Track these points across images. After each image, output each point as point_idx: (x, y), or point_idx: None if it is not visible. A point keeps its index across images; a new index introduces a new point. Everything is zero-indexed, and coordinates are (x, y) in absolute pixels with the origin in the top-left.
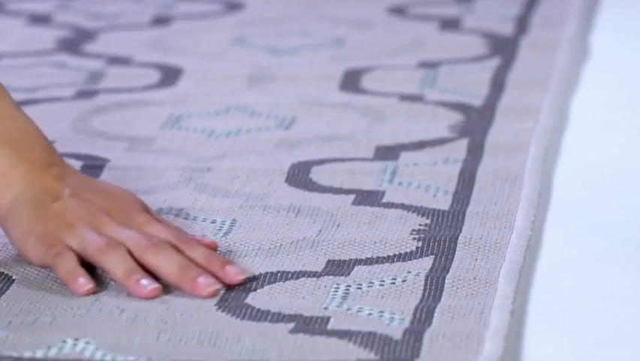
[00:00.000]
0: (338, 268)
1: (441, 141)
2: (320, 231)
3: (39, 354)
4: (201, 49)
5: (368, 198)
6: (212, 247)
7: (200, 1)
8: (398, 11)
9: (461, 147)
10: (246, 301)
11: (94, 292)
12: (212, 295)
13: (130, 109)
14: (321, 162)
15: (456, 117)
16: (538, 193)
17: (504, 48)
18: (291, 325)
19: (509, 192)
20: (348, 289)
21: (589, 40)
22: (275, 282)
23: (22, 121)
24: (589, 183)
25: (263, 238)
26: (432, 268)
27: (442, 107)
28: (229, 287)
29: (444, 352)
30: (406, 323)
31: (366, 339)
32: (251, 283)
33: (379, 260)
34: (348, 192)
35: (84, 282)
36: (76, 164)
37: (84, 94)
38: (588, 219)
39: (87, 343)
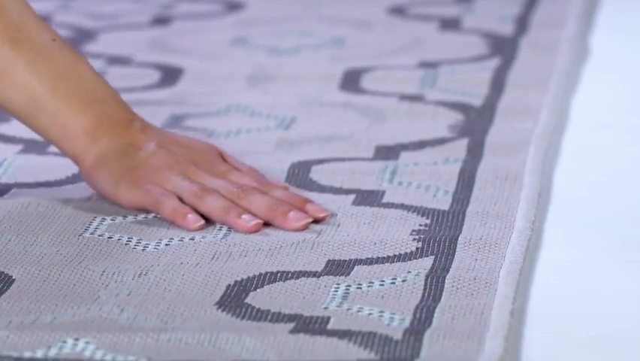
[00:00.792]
0: (338, 268)
1: (441, 141)
2: (320, 231)
3: (39, 354)
4: (201, 49)
5: (368, 198)
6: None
7: (200, 1)
8: (398, 11)
9: (461, 146)
10: (246, 301)
11: (202, 229)
12: (304, 228)
13: None
14: (320, 161)
15: (456, 117)
16: (538, 193)
17: (504, 48)
18: (291, 325)
19: (509, 192)
20: (348, 289)
21: (589, 40)
22: (275, 282)
23: (102, 84)
24: (589, 183)
25: (263, 239)
26: (432, 268)
27: (442, 107)
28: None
29: (444, 352)
30: (406, 323)
31: (366, 339)
32: (251, 283)
33: (379, 260)
34: (348, 192)
35: (194, 218)
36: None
37: None
38: (588, 219)
39: (87, 343)
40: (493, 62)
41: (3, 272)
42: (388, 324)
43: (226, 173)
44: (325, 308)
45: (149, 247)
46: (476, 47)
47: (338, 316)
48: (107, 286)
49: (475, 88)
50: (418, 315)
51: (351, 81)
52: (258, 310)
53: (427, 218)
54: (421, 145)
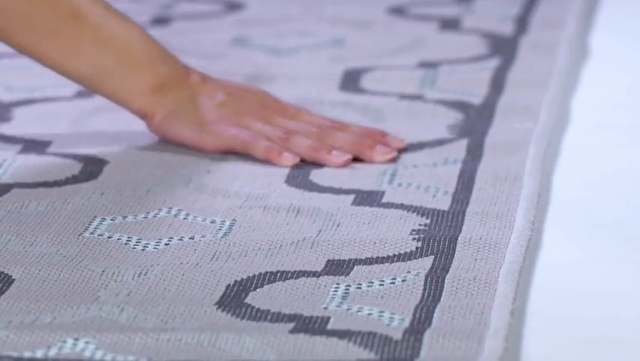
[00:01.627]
0: (338, 267)
1: (440, 142)
2: (320, 231)
3: (39, 354)
4: (201, 49)
5: (368, 198)
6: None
7: (200, 1)
8: (398, 11)
9: (461, 147)
10: (245, 301)
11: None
12: (391, 160)
13: None
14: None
15: (455, 117)
16: (538, 193)
17: (504, 48)
18: (291, 325)
19: (509, 192)
20: (347, 289)
21: (589, 40)
22: (275, 282)
23: (154, 43)
24: (589, 183)
25: (262, 238)
26: (432, 268)
27: (441, 107)
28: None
29: (444, 352)
30: (406, 323)
31: (366, 339)
32: (251, 282)
33: (379, 260)
34: (347, 192)
35: (290, 156)
36: (76, 164)
37: (84, 94)
38: (588, 220)
39: (87, 343)
40: (493, 62)
41: (3, 272)
42: (388, 324)
43: (298, 115)
44: (325, 308)
45: (149, 246)
46: (476, 47)
47: (338, 316)
48: (106, 286)
49: (474, 88)
50: (417, 315)
51: (351, 81)
52: (258, 310)
53: (427, 218)
54: (420, 146)
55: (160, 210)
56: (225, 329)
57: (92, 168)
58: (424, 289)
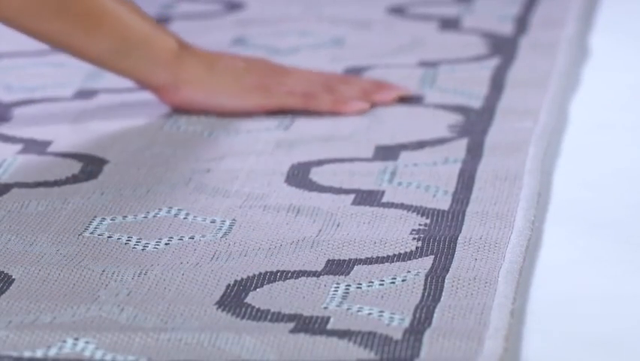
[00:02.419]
0: (338, 267)
1: (440, 141)
2: (320, 231)
3: (39, 354)
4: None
5: (368, 198)
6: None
7: (200, 1)
8: (398, 11)
9: (461, 146)
10: (245, 300)
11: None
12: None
13: (130, 109)
14: (320, 162)
15: (455, 117)
16: (538, 193)
17: (504, 48)
18: (291, 324)
19: (509, 191)
20: (347, 289)
21: (589, 40)
22: (275, 281)
23: (152, 19)
24: (588, 182)
25: (262, 238)
26: (432, 268)
27: (441, 107)
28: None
29: (444, 352)
30: (406, 323)
31: (366, 339)
32: (251, 282)
33: (379, 260)
34: (347, 192)
35: (361, 103)
36: (76, 164)
37: (83, 94)
38: (588, 219)
39: (87, 342)
40: (493, 62)
41: (3, 272)
42: (388, 324)
43: (307, 74)
44: (325, 308)
45: (149, 246)
46: (476, 47)
47: (338, 316)
48: (106, 285)
49: (474, 88)
50: (417, 315)
51: None
52: (258, 310)
53: (427, 218)
54: (420, 145)
55: (160, 210)
56: (225, 328)
57: (92, 168)
58: (424, 289)
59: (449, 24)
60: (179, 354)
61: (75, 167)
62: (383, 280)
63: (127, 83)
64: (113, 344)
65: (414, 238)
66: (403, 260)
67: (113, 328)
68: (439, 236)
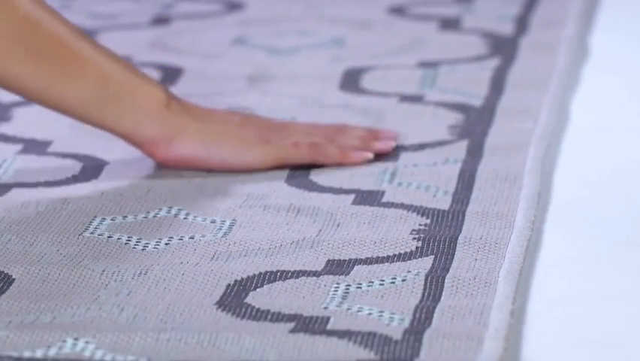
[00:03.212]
0: (338, 267)
1: (441, 142)
2: (320, 231)
3: (39, 354)
4: (201, 49)
5: (368, 198)
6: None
7: (200, 1)
8: (398, 11)
9: (461, 147)
10: (245, 300)
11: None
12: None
13: None
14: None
15: (456, 117)
16: (538, 193)
17: (504, 48)
18: (291, 324)
19: (509, 192)
20: (348, 289)
21: (589, 40)
22: (275, 281)
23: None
24: (589, 183)
25: (263, 238)
26: (432, 268)
27: (441, 108)
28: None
29: (444, 352)
30: (406, 323)
31: (366, 339)
32: (251, 282)
33: (379, 260)
34: (347, 192)
35: (365, 153)
36: (76, 165)
37: None
38: (588, 219)
39: (87, 342)
40: (493, 62)
41: (3, 272)
42: (388, 324)
43: (304, 126)
44: (325, 308)
45: (149, 246)
46: (476, 47)
47: (338, 316)
48: (106, 285)
49: (475, 88)
50: (417, 315)
51: (351, 81)
52: (258, 310)
53: (427, 218)
54: (420, 146)
55: (160, 210)
56: (225, 328)
57: (92, 168)
58: (424, 289)
59: (449, 24)
60: (179, 354)
61: (75, 167)
62: (383, 280)
63: None
64: (112, 344)
65: (414, 238)
66: (403, 260)
67: (113, 328)
68: (439, 236)
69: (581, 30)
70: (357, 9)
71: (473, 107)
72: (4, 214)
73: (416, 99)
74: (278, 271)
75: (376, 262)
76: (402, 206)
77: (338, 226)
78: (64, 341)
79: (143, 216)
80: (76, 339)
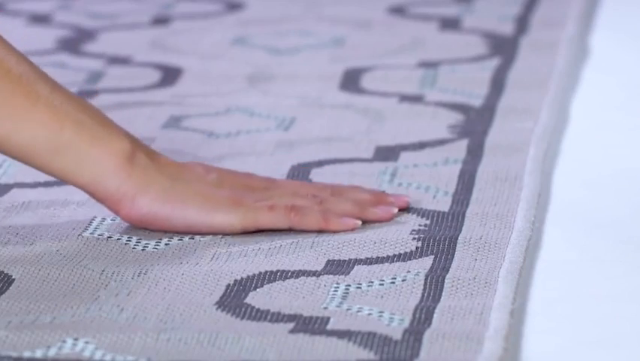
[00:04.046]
0: (338, 267)
1: (441, 142)
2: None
3: (38, 354)
4: (201, 49)
5: None
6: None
7: (200, 1)
8: (398, 11)
9: (461, 147)
10: (245, 300)
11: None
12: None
13: (130, 109)
14: (320, 163)
15: (456, 117)
16: (538, 193)
17: (504, 48)
18: (291, 325)
19: (509, 192)
20: (347, 289)
21: (589, 40)
22: (274, 281)
23: (109, 118)
24: (589, 183)
25: (262, 238)
26: (432, 268)
27: (441, 108)
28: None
29: (443, 352)
30: (406, 323)
31: (366, 339)
32: (251, 282)
33: (379, 260)
34: None
35: (353, 221)
36: None
37: (84, 94)
38: (588, 219)
39: (87, 342)
40: (493, 62)
41: (2, 272)
42: (388, 324)
43: (289, 185)
44: (325, 308)
45: (149, 246)
46: (476, 47)
47: (338, 316)
48: (106, 285)
49: (475, 88)
50: (417, 315)
51: (351, 81)
52: (258, 310)
53: (427, 219)
54: (420, 146)
55: None
56: (225, 328)
57: None
58: (424, 290)
59: (449, 24)
60: (178, 354)
61: None
62: (383, 280)
63: (125, 84)
64: (112, 344)
65: (414, 239)
66: (403, 260)
67: (113, 328)
68: (439, 236)
69: (581, 30)
70: (357, 9)
71: (473, 107)
72: (4, 214)
73: (416, 99)
74: (278, 271)
75: (376, 262)
76: None
77: None
78: (64, 341)
79: None
80: (75, 339)
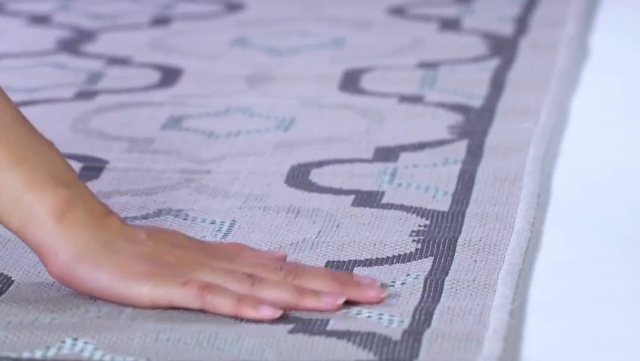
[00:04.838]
0: (337, 268)
1: (440, 142)
2: (319, 232)
3: (38, 354)
4: (201, 49)
5: (367, 199)
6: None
7: (200, 1)
8: (398, 11)
9: (461, 147)
10: None
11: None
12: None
13: (130, 110)
14: (320, 163)
15: (455, 118)
16: (538, 194)
17: (504, 48)
18: (291, 325)
19: (509, 193)
20: None
21: (589, 40)
22: None
23: (73, 171)
24: (588, 183)
25: (262, 239)
26: (431, 270)
27: (441, 108)
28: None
29: (443, 353)
30: (405, 324)
31: (365, 339)
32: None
33: (378, 261)
34: (347, 192)
35: (271, 310)
36: (76, 165)
37: (84, 94)
38: (588, 220)
39: (86, 343)
40: (493, 63)
41: (2, 273)
42: (387, 325)
43: (237, 255)
44: None
45: None
46: (476, 47)
47: (337, 317)
48: None
49: (474, 88)
50: (416, 316)
51: (351, 82)
52: None
53: (427, 219)
54: (420, 146)
55: (160, 210)
56: (225, 329)
57: (92, 168)
58: (424, 292)
59: (449, 24)
60: (178, 354)
61: (75, 167)
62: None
63: (127, 83)
64: (112, 344)
65: (413, 240)
66: (403, 262)
67: (112, 328)
68: (439, 238)
69: (581, 30)
70: (357, 9)
71: (473, 107)
72: None
73: (416, 99)
74: None
75: (376, 264)
76: (401, 207)
77: (338, 227)
78: (64, 342)
79: (143, 216)
80: (75, 339)
